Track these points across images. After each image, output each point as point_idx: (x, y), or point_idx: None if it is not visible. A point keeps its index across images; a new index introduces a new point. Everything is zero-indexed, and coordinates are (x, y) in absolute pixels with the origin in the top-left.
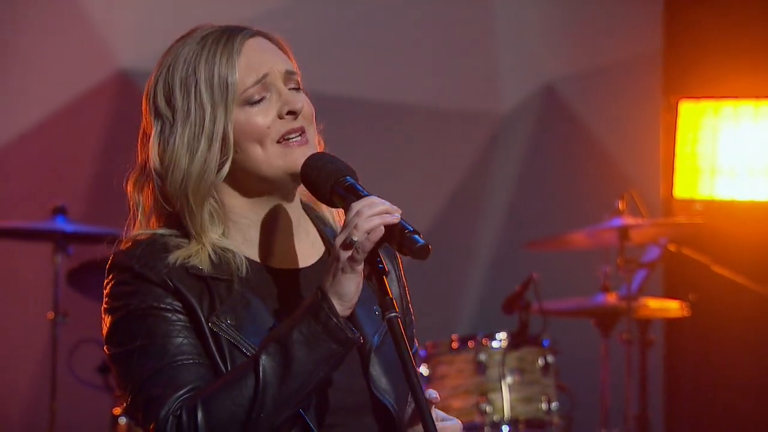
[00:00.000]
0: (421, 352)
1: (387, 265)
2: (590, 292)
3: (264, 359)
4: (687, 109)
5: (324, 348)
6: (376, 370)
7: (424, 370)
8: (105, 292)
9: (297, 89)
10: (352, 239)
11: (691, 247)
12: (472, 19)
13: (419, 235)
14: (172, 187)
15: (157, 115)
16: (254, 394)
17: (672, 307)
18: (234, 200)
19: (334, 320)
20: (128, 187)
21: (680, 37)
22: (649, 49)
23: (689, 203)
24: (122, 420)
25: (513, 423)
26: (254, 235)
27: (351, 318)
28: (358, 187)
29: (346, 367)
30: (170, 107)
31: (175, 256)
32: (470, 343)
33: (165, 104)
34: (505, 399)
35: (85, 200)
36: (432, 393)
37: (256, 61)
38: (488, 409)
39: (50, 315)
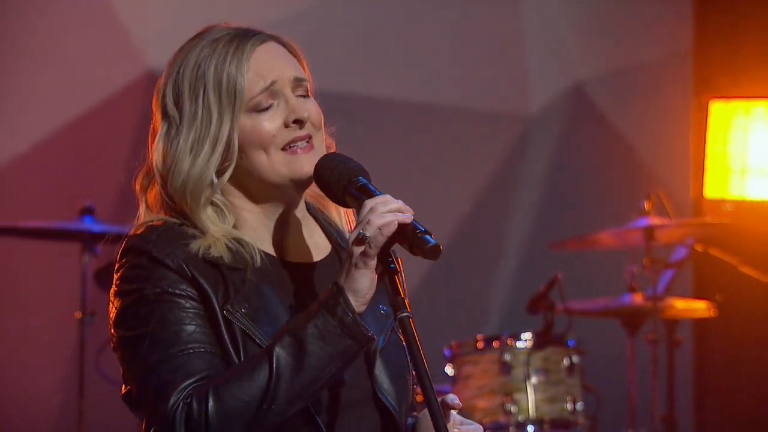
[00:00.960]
0: (446, 352)
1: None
2: (618, 292)
3: (278, 351)
4: (718, 109)
5: (339, 343)
6: (380, 372)
7: (449, 370)
8: (117, 275)
9: (306, 96)
10: (365, 234)
11: (719, 247)
12: (502, 20)
13: (430, 236)
14: (172, 188)
15: (165, 115)
16: (267, 386)
17: (699, 308)
18: (241, 201)
19: (350, 316)
20: (136, 185)
21: (711, 36)
22: (680, 49)
23: (720, 203)
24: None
25: (538, 423)
26: (263, 231)
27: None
28: (371, 187)
29: (352, 365)
30: (178, 108)
31: (196, 245)
32: (495, 343)
33: (173, 105)
34: (530, 399)
35: (113, 200)
36: (453, 398)
37: (265, 67)
38: (513, 409)
39: (78, 314)
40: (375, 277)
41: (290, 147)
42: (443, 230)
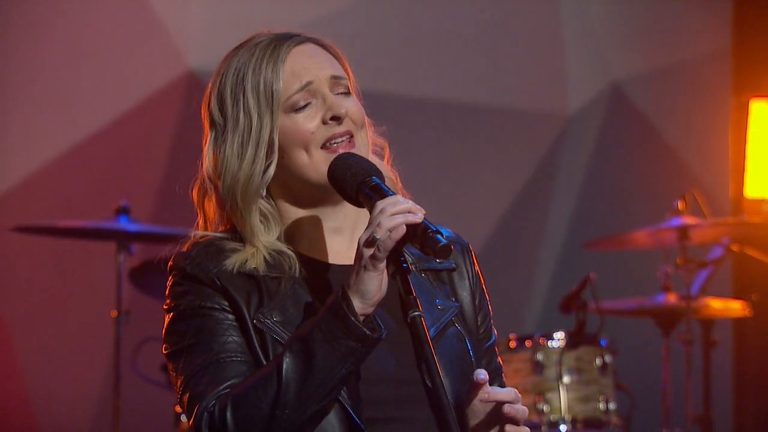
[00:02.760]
0: None
1: (455, 257)
2: (654, 291)
3: (287, 357)
4: (758, 108)
5: (344, 345)
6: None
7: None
8: (166, 292)
9: (346, 94)
10: (374, 237)
11: (756, 247)
12: (540, 20)
13: (441, 235)
14: (224, 192)
15: (212, 123)
16: (277, 392)
17: (734, 308)
18: (287, 204)
19: (353, 318)
20: (194, 195)
21: (750, 35)
22: (719, 48)
23: (760, 203)
24: (185, 417)
25: (570, 422)
26: (314, 234)
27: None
28: (384, 187)
29: (401, 359)
30: (222, 115)
31: (232, 261)
32: (528, 343)
33: (218, 112)
34: (563, 399)
35: (150, 200)
36: (479, 373)
37: (301, 67)
38: (545, 408)
39: (113, 313)
40: (385, 278)
41: (330, 145)
42: (482, 230)
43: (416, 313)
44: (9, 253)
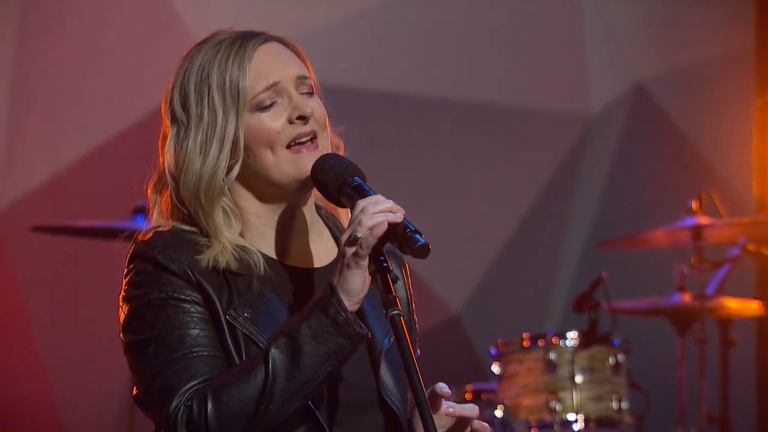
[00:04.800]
0: (492, 351)
1: (394, 269)
2: (671, 291)
3: (274, 352)
4: None
5: (332, 342)
6: (384, 373)
7: (495, 368)
8: (125, 280)
9: (310, 93)
10: (356, 235)
11: None
12: (562, 20)
13: (421, 235)
14: (185, 189)
15: (173, 119)
16: (263, 386)
17: (752, 307)
18: (248, 203)
19: (343, 315)
20: (148, 190)
21: None
22: (741, 47)
23: None
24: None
25: (583, 422)
26: (270, 234)
27: (362, 319)
28: (366, 187)
29: (358, 365)
30: (185, 112)
31: (205, 257)
32: (540, 342)
33: (180, 109)
34: (575, 398)
35: None
36: (442, 387)
37: (267, 67)
38: (558, 407)
39: None
40: (368, 276)
41: (295, 144)
42: (504, 229)
43: (396, 311)
44: (33, 252)
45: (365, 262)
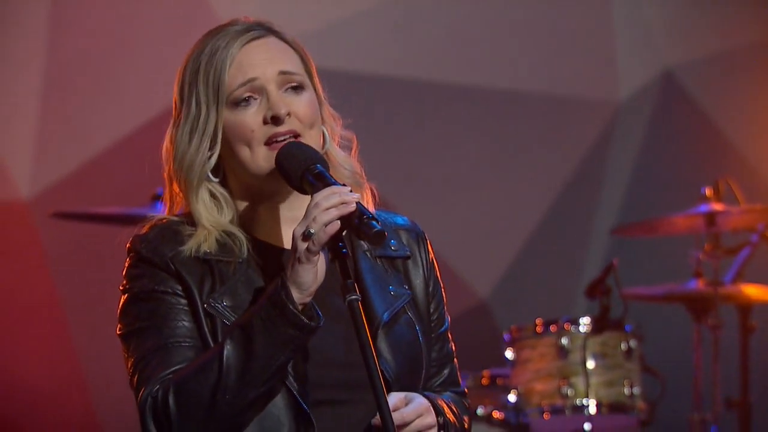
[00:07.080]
0: (506, 336)
1: (409, 245)
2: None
3: (228, 344)
4: None
5: (283, 333)
6: (382, 344)
7: (509, 353)
8: (123, 273)
9: (296, 89)
10: (309, 231)
11: None
12: (591, 6)
13: (376, 222)
14: (175, 176)
15: (174, 105)
16: (218, 377)
17: None
18: (240, 189)
19: (291, 308)
20: (165, 175)
21: None
22: None
23: None
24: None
25: (595, 407)
26: (262, 219)
27: (362, 292)
28: (327, 175)
29: (348, 344)
30: (181, 100)
31: (188, 246)
32: (553, 328)
33: (179, 97)
34: (587, 383)
35: None
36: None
37: (249, 62)
38: (570, 392)
39: None
40: (321, 268)
41: (274, 142)
42: (533, 215)
43: (353, 297)
44: (63, 240)
45: (317, 258)
